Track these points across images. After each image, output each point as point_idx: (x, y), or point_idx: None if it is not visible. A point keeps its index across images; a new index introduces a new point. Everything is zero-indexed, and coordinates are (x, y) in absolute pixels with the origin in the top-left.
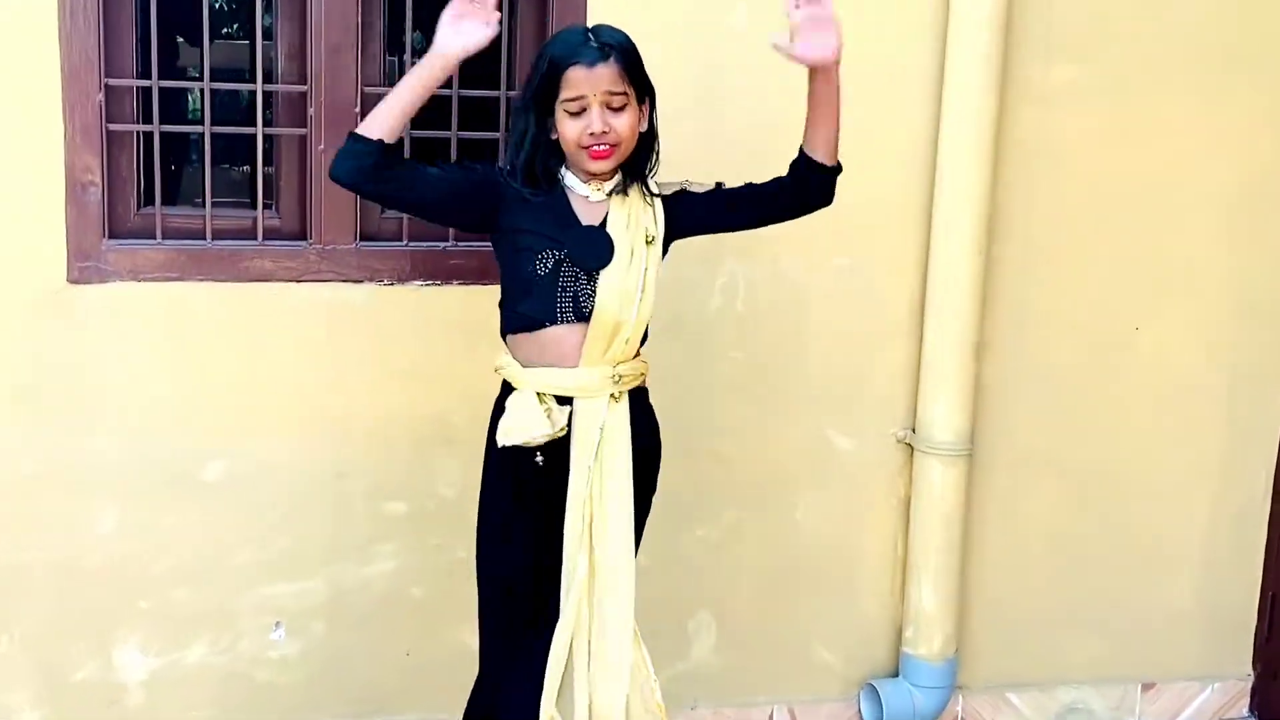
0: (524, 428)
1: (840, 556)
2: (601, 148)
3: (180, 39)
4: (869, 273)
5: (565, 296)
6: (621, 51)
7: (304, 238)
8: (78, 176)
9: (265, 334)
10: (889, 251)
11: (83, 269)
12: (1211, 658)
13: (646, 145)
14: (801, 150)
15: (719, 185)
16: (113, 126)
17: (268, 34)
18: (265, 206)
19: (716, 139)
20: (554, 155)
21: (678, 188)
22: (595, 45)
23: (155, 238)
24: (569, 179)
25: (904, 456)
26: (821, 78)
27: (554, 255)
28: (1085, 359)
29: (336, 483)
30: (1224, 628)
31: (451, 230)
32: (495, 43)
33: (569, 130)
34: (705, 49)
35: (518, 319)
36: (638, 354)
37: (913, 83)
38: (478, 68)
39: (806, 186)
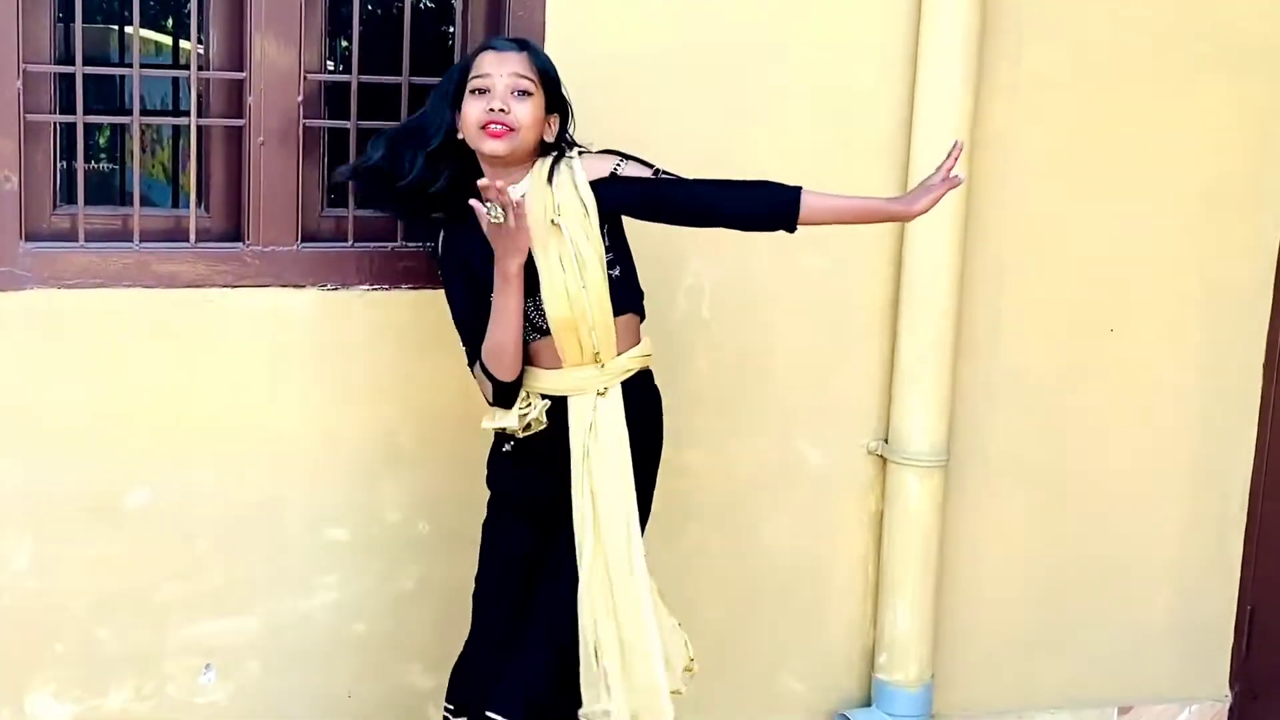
0: (500, 418)
1: (809, 576)
2: (498, 127)
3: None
4: (840, 274)
5: (528, 319)
6: (535, 49)
7: (239, 239)
8: None
9: (197, 346)
10: (861, 252)
11: None
12: (1189, 678)
13: (552, 156)
14: (792, 214)
15: (656, 172)
16: (30, 117)
17: (201, 17)
18: (197, 205)
19: (668, 112)
20: (457, 167)
21: (609, 170)
22: (513, 39)
23: (77, 240)
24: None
25: (876, 468)
26: (884, 217)
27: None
28: (1061, 362)
29: (273, 508)
30: (1201, 645)
31: (400, 229)
32: (447, 32)
33: (471, 112)
34: (675, 35)
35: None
36: (638, 339)
37: (885, 74)
38: (427, 56)
39: (769, 228)
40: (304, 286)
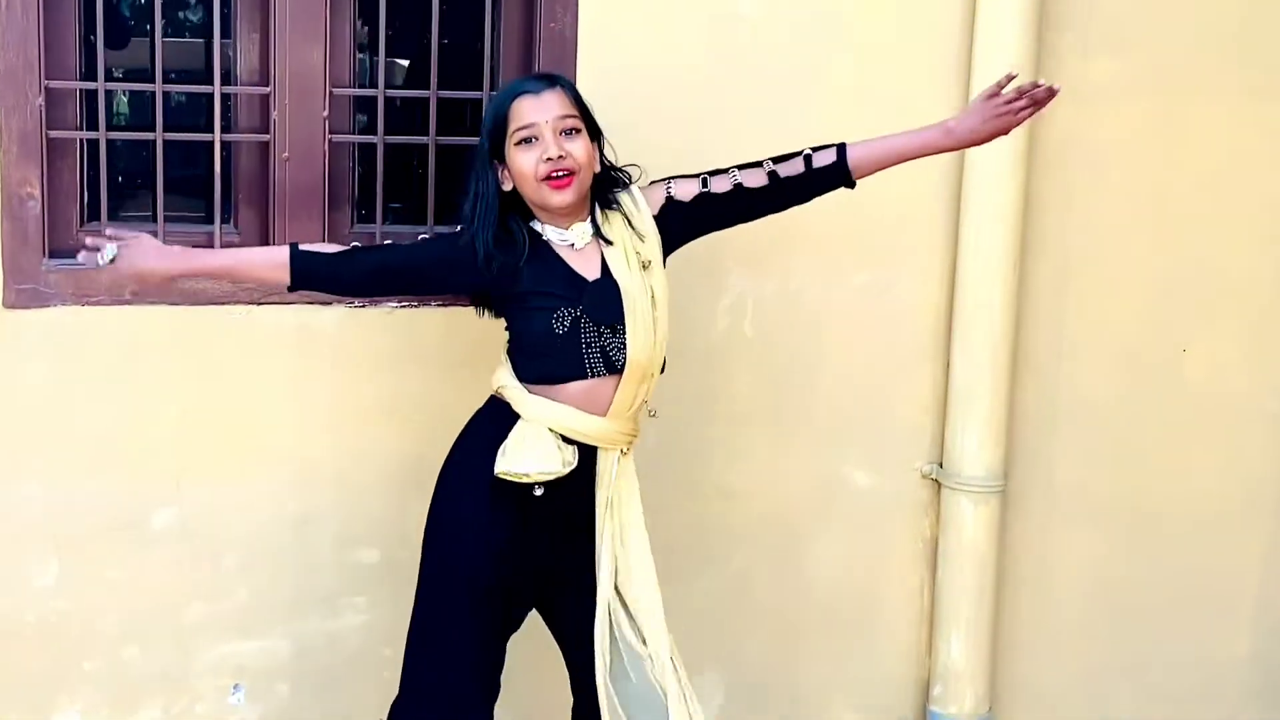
0: (533, 461)
1: (860, 605)
2: (560, 175)
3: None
4: (891, 291)
5: (593, 352)
6: (566, 82)
7: None
8: (14, 189)
9: (223, 363)
10: (913, 268)
11: (20, 292)
12: (1269, 710)
13: (608, 183)
14: (844, 162)
15: (703, 180)
16: (53, 133)
17: (226, 31)
18: (224, 220)
19: (713, 126)
20: (514, 211)
21: (662, 198)
22: (538, 77)
23: None
24: (548, 232)
25: (930, 493)
26: (948, 146)
27: (570, 313)
28: (1128, 384)
29: (301, 528)
30: None
31: None
32: (477, 41)
33: (524, 164)
34: (716, 40)
35: (540, 374)
36: None
37: (937, 80)
38: (458, 69)
39: (828, 188)
40: (329, 303)
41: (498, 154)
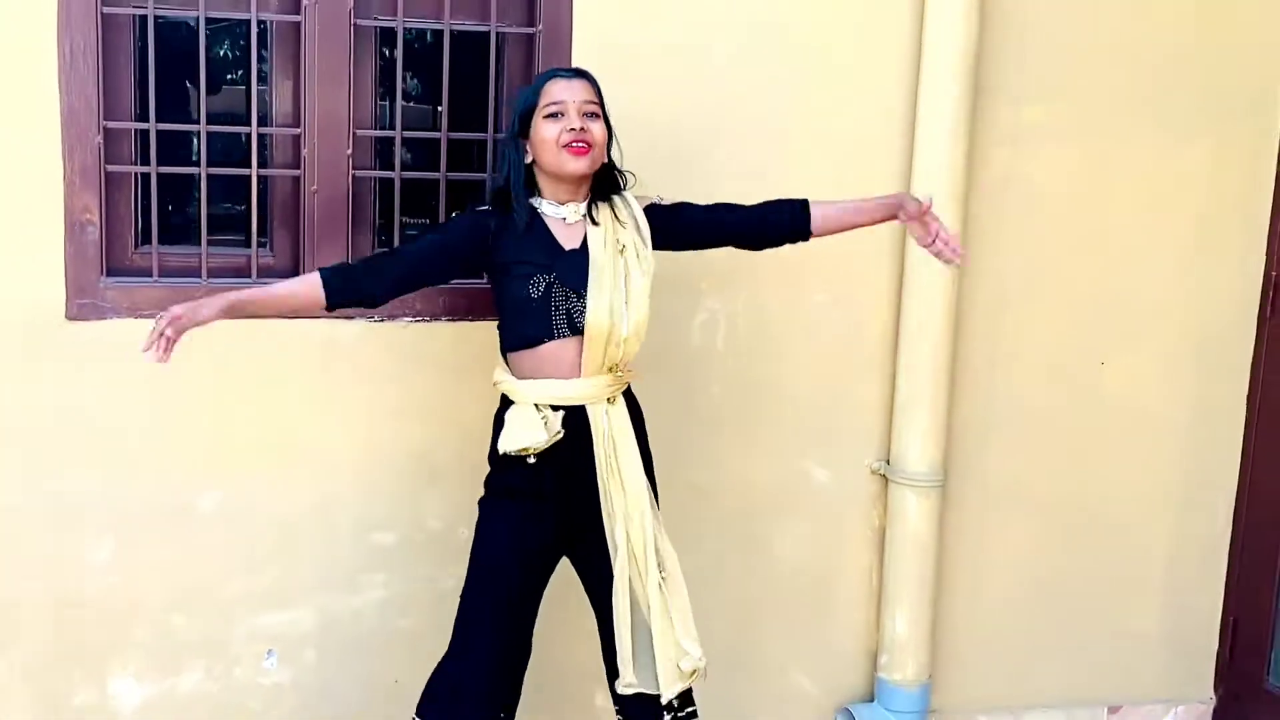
0: (521, 436)
1: (817, 585)
2: (580, 145)
3: (179, 83)
4: (845, 309)
5: (559, 314)
6: (592, 78)
7: (297, 275)
8: (76, 216)
9: (257, 369)
10: (864, 288)
11: (80, 306)
12: (1176, 681)
13: (610, 176)
14: (805, 221)
15: (684, 204)
16: (111, 168)
17: (263, 79)
18: (260, 245)
19: (697, 176)
20: (529, 182)
21: (649, 201)
22: (570, 69)
23: (152, 275)
24: (545, 206)
25: (879, 487)
26: (886, 215)
27: (545, 279)
28: (1053, 393)
29: (326, 514)
30: (1188, 652)
31: None
32: (482, 85)
33: (549, 133)
34: (686, 89)
35: (517, 338)
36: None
37: (885, 122)
38: (465, 110)
39: (789, 238)
40: (352, 318)
41: (524, 131)
